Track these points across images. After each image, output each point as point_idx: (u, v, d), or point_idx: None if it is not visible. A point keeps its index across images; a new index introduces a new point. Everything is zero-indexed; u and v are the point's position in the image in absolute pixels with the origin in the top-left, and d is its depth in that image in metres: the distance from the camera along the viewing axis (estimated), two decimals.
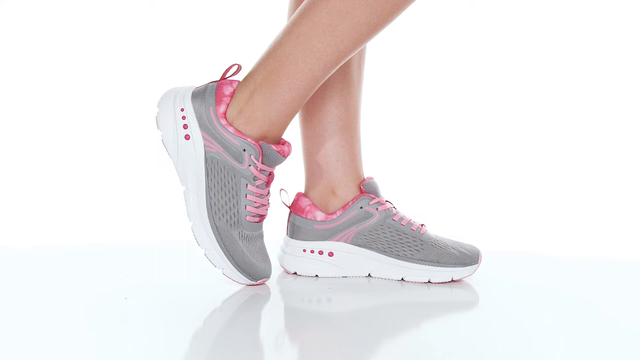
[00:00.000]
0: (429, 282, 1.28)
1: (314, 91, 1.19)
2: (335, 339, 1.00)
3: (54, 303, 1.12)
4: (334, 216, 1.30)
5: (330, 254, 1.30)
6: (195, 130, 1.19)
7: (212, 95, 1.20)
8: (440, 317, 1.13)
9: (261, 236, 1.25)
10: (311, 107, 1.32)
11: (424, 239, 1.28)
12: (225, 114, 1.19)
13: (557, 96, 2.18)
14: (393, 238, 1.29)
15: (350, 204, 1.30)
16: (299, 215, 1.31)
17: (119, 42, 2.13)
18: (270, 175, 1.23)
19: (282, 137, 1.23)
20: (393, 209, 1.31)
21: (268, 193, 1.24)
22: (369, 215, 1.29)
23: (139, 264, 1.39)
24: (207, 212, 1.19)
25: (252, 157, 1.18)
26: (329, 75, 1.19)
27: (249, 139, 1.18)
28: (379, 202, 1.30)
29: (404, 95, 2.20)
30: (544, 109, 2.18)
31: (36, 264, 1.38)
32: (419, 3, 1.22)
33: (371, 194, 1.31)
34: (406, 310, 1.15)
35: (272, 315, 1.11)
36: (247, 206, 1.20)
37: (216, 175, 1.19)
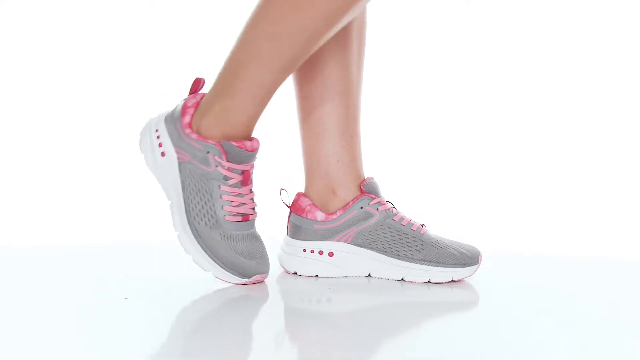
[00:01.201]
0: (429, 282, 1.28)
1: (274, 91, 1.21)
2: (335, 339, 1.00)
3: (54, 303, 1.12)
4: (334, 216, 1.30)
5: (331, 254, 1.30)
6: (168, 146, 1.25)
7: (179, 111, 1.26)
8: (440, 317, 1.13)
9: (253, 235, 1.25)
10: (310, 107, 1.32)
11: (424, 239, 1.28)
12: (189, 124, 1.24)
13: (557, 96, 2.18)
14: (393, 238, 1.29)
15: (350, 204, 1.30)
16: (299, 215, 1.31)
17: (119, 42, 2.12)
18: (245, 174, 1.24)
19: (254, 136, 1.25)
20: (393, 209, 1.31)
21: (250, 192, 1.25)
22: (369, 216, 1.29)
23: (139, 264, 1.39)
24: (187, 218, 1.23)
25: (217, 157, 1.22)
26: (286, 76, 1.21)
27: (209, 141, 1.22)
28: (379, 202, 1.30)
29: (404, 96, 2.20)
30: (543, 109, 2.18)
31: (36, 264, 1.38)
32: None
33: (371, 194, 1.31)
34: (406, 310, 1.15)
35: (272, 315, 1.11)
36: (224, 206, 1.22)
37: (190, 182, 1.23)
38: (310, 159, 1.33)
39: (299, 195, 1.33)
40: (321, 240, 1.30)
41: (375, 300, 1.19)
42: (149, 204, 1.95)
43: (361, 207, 1.30)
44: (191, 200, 1.23)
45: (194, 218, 1.22)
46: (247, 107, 1.21)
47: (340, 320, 1.09)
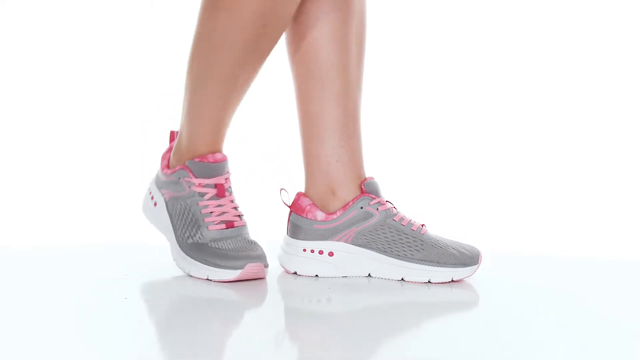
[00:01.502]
0: (429, 282, 1.28)
1: (231, 111, 1.28)
2: (335, 339, 1.00)
3: (53, 303, 1.12)
4: (334, 216, 1.30)
5: (330, 254, 1.30)
6: (155, 193, 1.35)
7: (160, 161, 1.37)
8: (440, 317, 1.13)
9: (243, 238, 1.27)
10: (309, 108, 1.32)
11: (424, 239, 1.28)
12: (167, 165, 1.34)
13: (557, 96, 2.18)
14: (393, 238, 1.29)
15: (350, 204, 1.30)
16: (300, 215, 1.31)
17: (119, 42, 2.12)
18: (218, 187, 1.28)
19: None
20: (393, 209, 1.31)
21: (231, 202, 1.29)
22: (369, 216, 1.29)
23: (139, 264, 1.39)
24: (178, 243, 1.28)
25: (186, 178, 1.28)
26: (237, 99, 1.27)
27: (177, 167, 1.30)
28: (379, 202, 1.30)
29: (404, 96, 2.20)
30: (543, 109, 2.18)
31: (36, 264, 1.38)
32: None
33: (372, 194, 1.31)
34: (406, 310, 1.15)
35: (272, 316, 1.11)
36: (206, 218, 1.27)
37: (175, 212, 1.30)
38: (310, 159, 1.33)
39: (299, 195, 1.33)
40: (321, 240, 1.30)
41: (375, 300, 1.19)
42: None
43: (361, 207, 1.30)
44: (178, 226, 1.29)
45: (183, 239, 1.28)
46: (204, 134, 1.28)
47: (340, 320, 1.09)
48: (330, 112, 1.32)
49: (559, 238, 1.89)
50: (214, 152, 1.29)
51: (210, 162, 1.28)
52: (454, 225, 1.67)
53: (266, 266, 1.25)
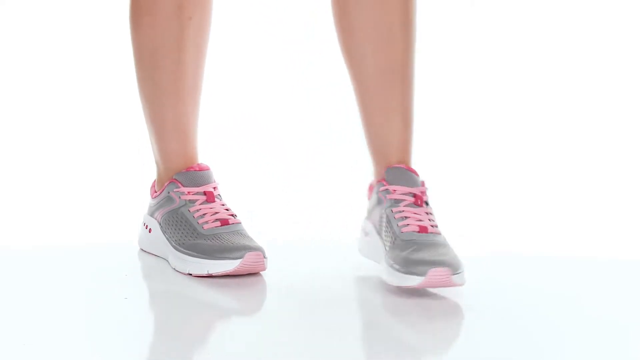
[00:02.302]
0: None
1: (191, 117, 1.31)
2: (335, 338, 1.00)
3: (53, 303, 1.12)
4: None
5: None
6: (149, 221, 1.36)
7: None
8: (440, 317, 1.12)
9: (239, 233, 1.26)
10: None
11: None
12: (154, 191, 1.36)
13: (557, 95, 2.18)
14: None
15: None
16: None
17: (119, 42, 2.12)
18: (207, 194, 1.29)
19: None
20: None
21: (222, 205, 1.29)
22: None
23: (139, 264, 1.39)
24: (176, 249, 1.28)
25: (175, 190, 1.30)
26: (192, 103, 1.30)
27: (165, 184, 1.32)
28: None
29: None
30: (543, 109, 2.18)
31: (36, 264, 1.38)
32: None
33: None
34: (405, 310, 1.14)
35: (272, 315, 1.11)
36: (199, 220, 1.27)
37: (169, 226, 1.30)
38: None
39: None
40: None
41: (375, 300, 1.18)
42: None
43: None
44: (172, 235, 1.29)
45: (179, 243, 1.27)
46: (176, 148, 1.31)
47: (341, 320, 1.09)
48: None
49: (559, 238, 1.88)
50: (193, 164, 1.31)
51: (196, 170, 1.30)
52: (454, 225, 1.67)
53: (265, 257, 1.24)
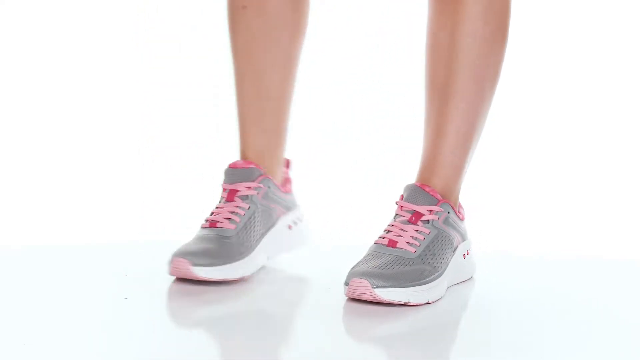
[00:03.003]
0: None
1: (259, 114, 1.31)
2: (336, 338, 1.00)
3: (53, 303, 1.12)
4: None
5: None
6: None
7: None
8: (440, 317, 1.12)
9: (197, 237, 1.25)
10: None
11: None
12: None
13: (556, 95, 2.18)
14: None
15: None
16: None
17: (119, 42, 2.12)
18: (225, 190, 1.27)
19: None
20: None
21: (235, 207, 1.25)
22: None
23: (139, 264, 1.39)
24: None
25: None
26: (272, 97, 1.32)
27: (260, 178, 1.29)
28: None
29: (404, 96, 2.20)
30: (543, 108, 2.18)
31: (36, 264, 1.38)
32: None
33: None
34: (405, 310, 1.15)
35: (272, 315, 1.11)
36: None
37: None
38: None
39: None
40: None
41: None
42: (149, 203, 1.95)
43: None
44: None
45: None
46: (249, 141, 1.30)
47: (341, 321, 1.09)
48: None
49: (558, 238, 1.88)
50: (238, 159, 1.30)
51: (230, 167, 1.28)
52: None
53: (195, 265, 1.20)
